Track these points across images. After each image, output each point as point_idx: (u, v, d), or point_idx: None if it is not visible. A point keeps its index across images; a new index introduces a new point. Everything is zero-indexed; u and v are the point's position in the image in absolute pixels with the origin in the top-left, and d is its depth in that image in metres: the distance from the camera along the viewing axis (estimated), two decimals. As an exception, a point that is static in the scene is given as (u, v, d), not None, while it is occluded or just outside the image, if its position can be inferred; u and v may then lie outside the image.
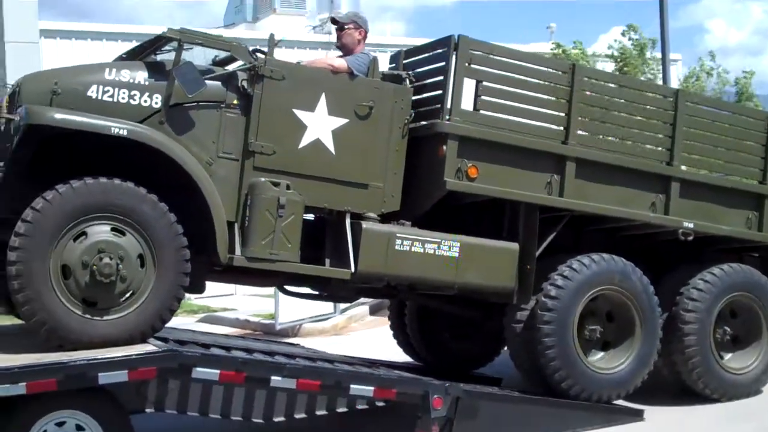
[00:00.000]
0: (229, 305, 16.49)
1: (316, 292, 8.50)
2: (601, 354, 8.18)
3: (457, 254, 7.50)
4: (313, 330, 14.46)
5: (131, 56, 7.46)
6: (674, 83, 21.07)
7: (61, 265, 6.31)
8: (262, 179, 6.94)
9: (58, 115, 6.32)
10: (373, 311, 16.16)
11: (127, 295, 6.49)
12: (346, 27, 7.77)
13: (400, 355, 9.86)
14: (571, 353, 7.80)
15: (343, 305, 15.16)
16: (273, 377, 6.61)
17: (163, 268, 6.53)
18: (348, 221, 7.27)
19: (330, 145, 7.22)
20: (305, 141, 7.14)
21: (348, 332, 14.88)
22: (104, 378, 6.09)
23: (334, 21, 7.90)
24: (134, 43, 18.10)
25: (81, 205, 6.31)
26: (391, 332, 9.98)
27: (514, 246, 7.78)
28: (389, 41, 20.62)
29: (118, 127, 6.42)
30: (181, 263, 6.59)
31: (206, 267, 7.11)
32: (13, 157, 6.53)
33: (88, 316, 6.36)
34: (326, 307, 14.94)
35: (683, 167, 8.51)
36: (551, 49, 20.04)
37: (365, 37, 7.81)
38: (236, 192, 6.94)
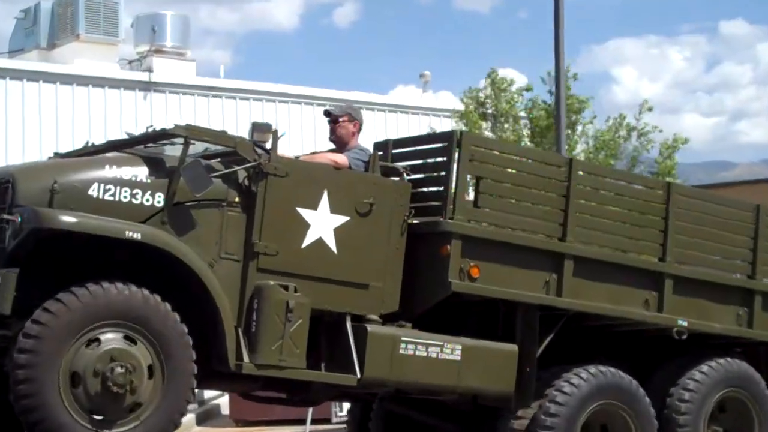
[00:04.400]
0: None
1: (285, 396, 8.06)
2: None
3: (458, 357, 7.25)
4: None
5: (127, 145, 7.17)
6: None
7: (71, 372, 6.00)
8: (271, 282, 6.65)
9: (70, 219, 6.06)
10: (200, 421, 16.02)
11: (133, 407, 6.19)
12: (340, 120, 7.54)
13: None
14: None
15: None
16: None
17: (171, 381, 6.25)
18: (349, 324, 6.96)
19: (332, 243, 6.95)
20: (308, 240, 6.88)
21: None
22: None
23: (327, 114, 7.60)
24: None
25: (99, 311, 6.06)
26: None
27: (514, 348, 7.53)
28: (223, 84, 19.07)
29: (132, 231, 6.17)
30: (189, 376, 6.31)
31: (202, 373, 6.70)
32: (9, 255, 6.18)
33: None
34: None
35: (676, 263, 8.35)
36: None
37: (360, 129, 7.56)
38: (238, 295, 6.62)
